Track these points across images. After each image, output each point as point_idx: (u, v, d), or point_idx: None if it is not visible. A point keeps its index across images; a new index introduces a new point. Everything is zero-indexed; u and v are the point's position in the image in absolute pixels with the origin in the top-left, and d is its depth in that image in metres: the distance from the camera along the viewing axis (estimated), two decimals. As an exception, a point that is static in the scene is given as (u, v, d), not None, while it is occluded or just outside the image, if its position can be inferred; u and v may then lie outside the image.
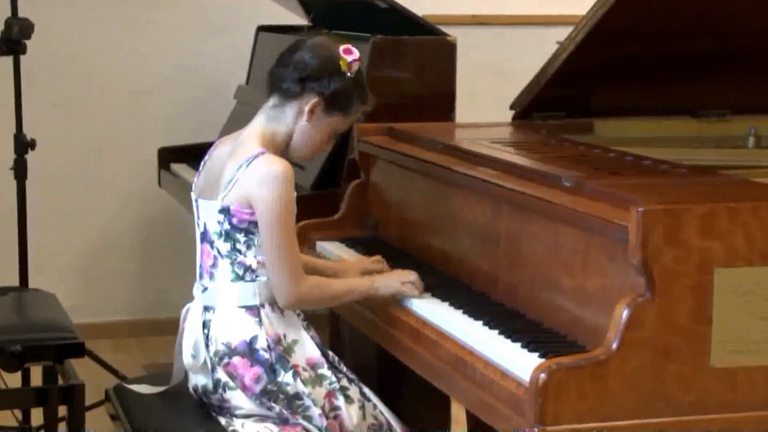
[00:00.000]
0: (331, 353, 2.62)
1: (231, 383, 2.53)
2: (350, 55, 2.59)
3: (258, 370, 2.51)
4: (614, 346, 2.06)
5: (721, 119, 3.33)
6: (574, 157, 2.73)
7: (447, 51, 3.71)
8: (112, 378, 3.97)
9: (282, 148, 2.61)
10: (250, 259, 2.55)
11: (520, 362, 2.17)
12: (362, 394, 2.61)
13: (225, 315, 2.56)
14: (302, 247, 2.62)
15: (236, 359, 2.52)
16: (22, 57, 3.91)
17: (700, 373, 2.10)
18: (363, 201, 3.28)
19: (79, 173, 5.02)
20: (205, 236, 2.60)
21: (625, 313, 2.07)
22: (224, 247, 2.55)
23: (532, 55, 3.73)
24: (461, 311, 2.51)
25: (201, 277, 2.62)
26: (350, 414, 2.55)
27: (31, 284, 3.94)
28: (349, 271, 2.78)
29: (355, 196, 3.28)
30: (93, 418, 3.61)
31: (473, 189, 2.69)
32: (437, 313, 2.52)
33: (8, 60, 3.92)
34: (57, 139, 4.88)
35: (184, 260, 4.77)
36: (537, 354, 2.20)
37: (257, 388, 2.51)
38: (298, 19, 4.58)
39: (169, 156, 4.62)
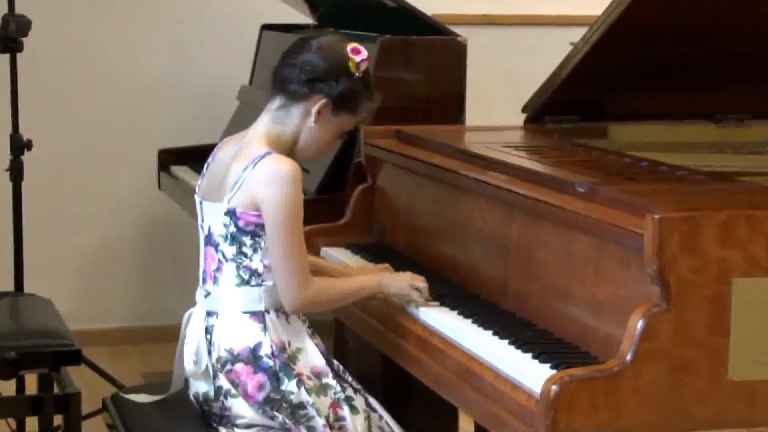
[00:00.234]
0: (336, 362, 2.63)
1: (233, 391, 2.53)
2: (358, 55, 2.60)
3: (261, 377, 2.52)
4: (628, 357, 2.07)
5: (741, 124, 3.34)
6: (588, 162, 2.74)
7: (457, 51, 3.71)
8: (110, 386, 3.97)
9: (288, 150, 2.62)
10: (256, 262, 2.56)
11: (530, 373, 2.18)
12: (368, 404, 2.61)
13: (228, 320, 2.57)
14: (307, 253, 2.63)
15: (239, 366, 2.53)
16: (18, 55, 3.91)
17: (717, 386, 2.10)
18: (369, 206, 3.28)
19: (77, 175, 5.02)
20: (209, 239, 2.60)
21: (639, 324, 2.07)
22: (230, 250, 2.56)
23: (545, 56, 3.73)
24: (470, 320, 2.51)
25: (204, 281, 2.63)
26: (355, 425, 2.55)
27: (27, 289, 3.94)
28: (355, 275, 2.79)
29: (361, 201, 3.29)
30: (89, 428, 3.62)
31: (483, 194, 2.69)
32: (445, 322, 2.53)
33: (5, 58, 3.93)
34: (54, 140, 4.89)
35: (185, 265, 4.80)
36: (548, 365, 2.20)
37: (260, 397, 2.52)
38: (304, 18, 4.58)
39: (169, 158, 4.62)
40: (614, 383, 2.06)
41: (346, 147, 3.44)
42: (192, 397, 2.64)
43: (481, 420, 2.31)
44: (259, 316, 2.56)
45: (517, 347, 2.32)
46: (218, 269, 2.59)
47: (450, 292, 2.70)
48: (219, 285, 2.59)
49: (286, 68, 2.61)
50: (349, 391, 2.59)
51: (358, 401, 2.59)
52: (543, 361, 2.22)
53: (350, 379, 2.63)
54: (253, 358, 2.53)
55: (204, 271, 2.63)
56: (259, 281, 2.56)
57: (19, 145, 3.92)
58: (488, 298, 2.65)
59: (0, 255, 4.35)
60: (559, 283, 2.40)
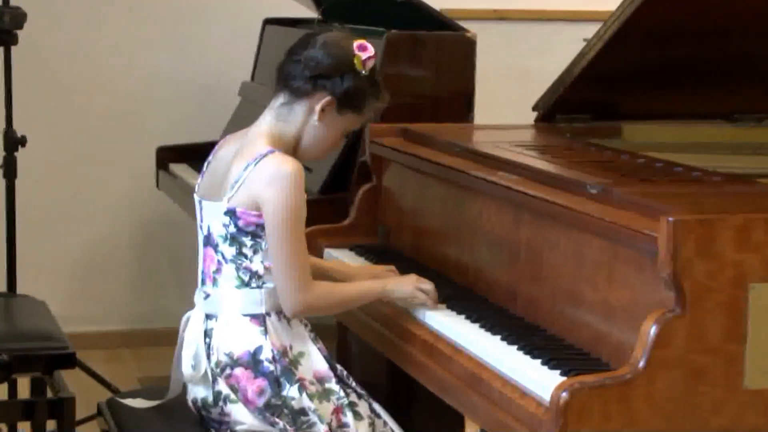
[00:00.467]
0: (339, 367, 2.63)
1: (232, 396, 2.54)
2: (365, 52, 2.60)
3: (262, 382, 2.52)
4: (641, 364, 2.07)
5: (759, 125, 3.34)
6: (601, 162, 2.74)
7: (466, 47, 3.72)
8: (105, 391, 3.98)
9: (291, 149, 2.62)
10: (257, 264, 2.56)
11: (540, 380, 2.18)
12: (372, 410, 2.62)
13: (228, 323, 2.57)
14: (309, 254, 2.63)
15: (239, 371, 2.53)
16: (13, 48, 3.92)
17: (732, 394, 2.11)
18: (374, 207, 3.29)
19: (73, 172, 5.03)
20: (208, 240, 2.61)
21: (653, 330, 2.07)
22: (229, 251, 2.57)
23: (557, 53, 3.74)
24: (478, 325, 2.52)
25: (203, 283, 2.64)
26: (359, 431, 2.55)
27: (20, 290, 3.95)
28: (359, 276, 2.80)
29: (365, 202, 3.29)
30: (83, 434, 3.63)
31: (493, 195, 2.70)
32: (452, 326, 2.53)
33: (-1, 51, 3.94)
34: (49, 136, 4.90)
35: (183, 267, 4.81)
36: (558, 372, 2.20)
37: (260, 402, 2.52)
38: (308, 12, 4.59)
39: (168, 155, 4.63)
40: (626, 391, 2.06)
41: (351, 146, 3.44)
42: (190, 403, 2.64)
43: (489, 428, 2.31)
44: (259, 319, 2.56)
45: (526, 353, 2.32)
46: (218, 270, 2.59)
47: (457, 295, 2.71)
48: (218, 287, 2.60)
49: (290, 64, 2.62)
50: (353, 397, 2.59)
51: (362, 407, 2.59)
52: (553, 367, 2.23)
53: (354, 384, 2.64)
54: (253, 362, 2.53)
55: (203, 272, 2.64)
56: (260, 283, 2.57)
57: (12, 141, 3.93)
58: (497, 302, 2.66)
59: (-7, 254, 4.36)
60: (570, 287, 2.41)
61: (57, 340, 3.22)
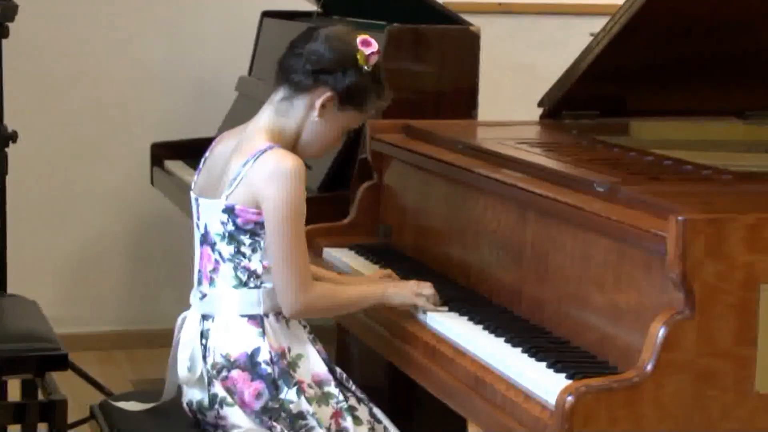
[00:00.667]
0: (339, 370, 2.64)
1: (229, 399, 2.54)
2: (368, 47, 2.60)
3: (259, 385, 2.52)
4: (649, 368, 2.07)
5: (771, 122, 3.34)
6: (608, 160, 2.74)
7: (470, 42, 3.72)
8: (98, 393, 3.99)
9: (291, 145, 2.62)
10: (255, 263, 2.56)
11: (545, 383, 2.18)
12: (372, 414, 2.62)
13: (225, 324, 2.57)
14: (308, 253, 2.63)
15: (236, 373, 2.53)
16: (4, 41, 3.92)
17: (743, 399, 2.11)
18: (375, 205, 3.29)
19: (65, 169, 5.04)
20: (205, 238, 2.61)
21: (661, 332, 2.08)
22: (227, 250, 2.57)
23: (563, 47, 3.75)
24: (481, 327, 2.52)
25: (200, 283, 2.64)
26: (358, 436, 2.56)
27: (11, 290, 3.95)
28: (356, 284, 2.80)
29: (366, 200, 3.29)
30: (75, 437, 3.63)
31: (497, 194, 2.70)
32: (455, 328, 2.53)
33: (-11, 44, 3.95)
34: (41, 132, 4.90)
35: (178, 266, 4.81)
36: (564, 375, 2.21)
37: (257, 405, 2.53)
38: (307, 5, 4.59)
39: (162, 152, 4.63)
40: (634, 395, 2.06)
41: (351, 142, 3.45)
42: (185, 405, 2.64)
43: (492, 432, 2.32)
44: (257, 320, 2.56)
45: (531, 355, 2.32)
46: (215, 270, 2.59)
47: (460, 296, 2.71)
48: (215, 286, 2.60)
49: (291, 58, 2.62)
50: (353, 401, 2.59)
51: (362, 411, 2.59)
52: (558, 370, 2.23)
53: (354, 387, 2.64)
54: (250, 364, 2.53)
55: (199, 271, 2.64)
56: (258, 283, 2.57)
57: (3, 137, 3.93)
58: (501, 303, 2.66)
59: (-18, 253, 4.36)
60: (577, 288, 2.41)
61: (48, 341, 3.22)
